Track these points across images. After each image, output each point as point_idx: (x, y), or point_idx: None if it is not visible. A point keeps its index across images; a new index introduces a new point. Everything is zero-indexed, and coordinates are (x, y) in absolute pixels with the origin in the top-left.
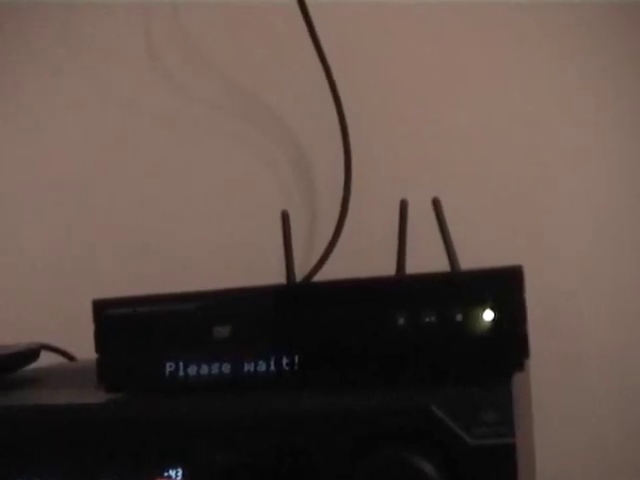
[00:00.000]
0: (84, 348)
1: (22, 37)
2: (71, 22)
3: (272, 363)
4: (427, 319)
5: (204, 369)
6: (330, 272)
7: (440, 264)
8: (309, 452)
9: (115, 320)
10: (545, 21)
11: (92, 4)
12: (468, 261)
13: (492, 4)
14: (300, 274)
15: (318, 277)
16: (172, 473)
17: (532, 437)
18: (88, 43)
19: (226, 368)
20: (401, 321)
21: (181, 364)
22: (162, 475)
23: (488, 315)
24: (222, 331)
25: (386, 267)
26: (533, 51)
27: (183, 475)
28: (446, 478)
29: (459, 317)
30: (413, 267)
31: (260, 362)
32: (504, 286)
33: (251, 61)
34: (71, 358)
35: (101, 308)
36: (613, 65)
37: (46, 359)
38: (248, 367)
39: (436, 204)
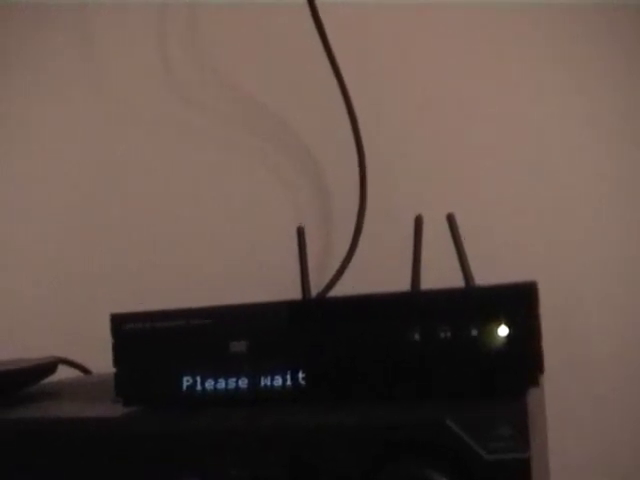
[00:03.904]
0: (101, 363)
1: (35, 38)
2: (84, 24)
3: (288, 377)
4: (442, 334)
5: (221, 383)
6: (345, 288)
7: (455, 280)
8: (325, 466)
9: (133, 334)
10: (572, 31)
11: (105, 5)
12: (482, 276)
13: (512, 10)
14: (315, 290)
15: (333, 293)
16: None
17: (546, 450)
18: (100, 46)
19: (243, 382)
20: (417, 336)
21: (198, 378)
22: None
23: (503, 330)
24: (239, 346)
25: (401, 283)
26: (550, 60)
27: None
28: None
29: (474, 332)
30: (428, 283)
31: (276, 377)
32: (519, 302)
33: (266, 74)
34: (88, 372)
35: (119, 323)
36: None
37: (63, 374)
38: (264, 381)
39: (451, 220)
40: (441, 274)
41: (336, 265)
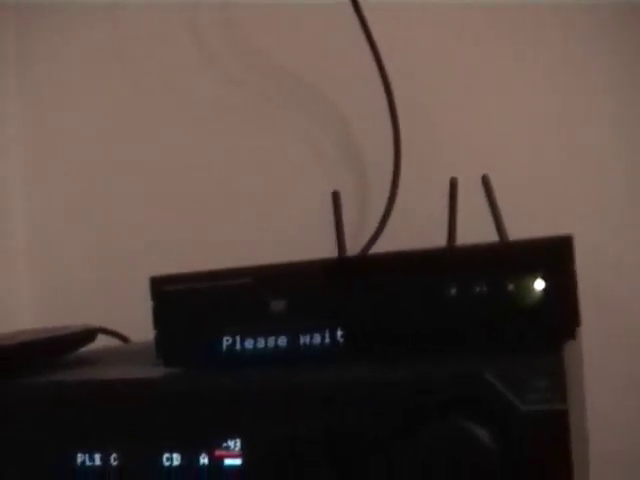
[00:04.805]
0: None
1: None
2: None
3: (327, 335)
4: (479, 289)
5: (260, 342)
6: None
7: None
8: (364, 422)
9: (173, 296)
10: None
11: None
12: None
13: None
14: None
15: None
16: (230, 444)
17: (584, 405)
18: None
19: (282, 341)
20: (453, 291)
21: (238, 338)
22: (221, 446)
23: (539, 284)
24: (278, 304)
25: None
26: (578, 46)
27: (241, 446)
28: (499, 443)
29: (511, 287)
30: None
31: (315, 334)
32: (555, 255)
33: (298, 52)
34: (126, 340)
35: (159, 285)
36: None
37: (100, 343)
38: (304, 340)
39: (485, 181)
40: (476, 236)
41: (370, 233)
